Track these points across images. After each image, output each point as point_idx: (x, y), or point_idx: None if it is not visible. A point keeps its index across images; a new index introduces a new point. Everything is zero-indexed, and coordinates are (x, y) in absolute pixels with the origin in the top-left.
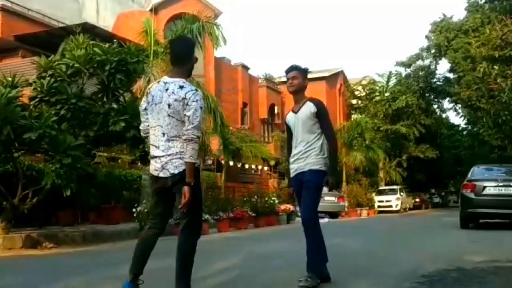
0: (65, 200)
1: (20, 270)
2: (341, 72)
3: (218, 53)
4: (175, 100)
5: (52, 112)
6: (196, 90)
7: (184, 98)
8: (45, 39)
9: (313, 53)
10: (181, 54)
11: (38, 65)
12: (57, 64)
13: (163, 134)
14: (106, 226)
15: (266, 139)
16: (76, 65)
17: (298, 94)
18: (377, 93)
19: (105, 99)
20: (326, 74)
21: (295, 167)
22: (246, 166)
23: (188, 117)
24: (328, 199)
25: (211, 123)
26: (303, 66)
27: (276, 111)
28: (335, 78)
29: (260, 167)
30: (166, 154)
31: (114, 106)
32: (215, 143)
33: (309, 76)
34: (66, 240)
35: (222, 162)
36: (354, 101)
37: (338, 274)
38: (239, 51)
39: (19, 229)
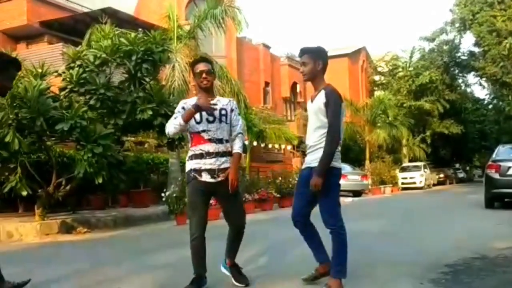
0: (96, 185)
1: (60, 258)
2: (364, 49)
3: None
4: None
5: (82, 102)
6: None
7: None
8: (69, 25)
9: (335, 30)
10: None
11: (66, 56)
12: (84, 55)
13: None
14: (136, 209)
15: (289, 118)
16: (104, 55)
17: (315, 80)
18: (400, 69)
19: (132, 88)
20: (348, 51)
21: (306, 160)
22: (270, 146)
23: None
24: (351, 178)
25: None
26: (314, 46)
27: (298, 89)
28: (357, 54)
29: (283, 146)
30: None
31: (141, 94)
32: None
33: (332, 53)
34: (99, 224)
35: (246, 142)
36: (377, 78)
37: (360, 260)
38: (259, 29)
39: (54, 214)
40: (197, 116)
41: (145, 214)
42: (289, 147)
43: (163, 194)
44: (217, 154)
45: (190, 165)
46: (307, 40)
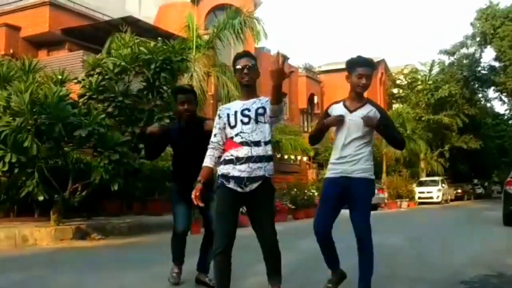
0: (112, 191)
1: (73, 264)
2: (382, 61)
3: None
4: None
5: (100, 110)
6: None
7: None
8: (90, 33)
9: (354, 42)
10: None
11: (86, 63)
12: (104, 63)
13: None
14: (150, 217)
15: (306, 129)
16: (123, 63)
17: (363, 93)
18: (419, 82)
19: (150, 96)
20: None
21: (339, 169)
22: (286, 156)
23: None
24: None
25: None
26: (373, 61)
27: (315, 101)
28: (376, 67)
29: (299, 157)
30: None
31: (159, 103)
32: None
33: None
34: (113, 231)
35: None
36: (395, 90)
37: (374, 275)
38: (278, 40)
39: (69, 219)
40: (232, 119)
41: (159, 222)
42: (305, 159)
43: None
44: (249, 160)
45: (220, 170)
46: (324, 52)
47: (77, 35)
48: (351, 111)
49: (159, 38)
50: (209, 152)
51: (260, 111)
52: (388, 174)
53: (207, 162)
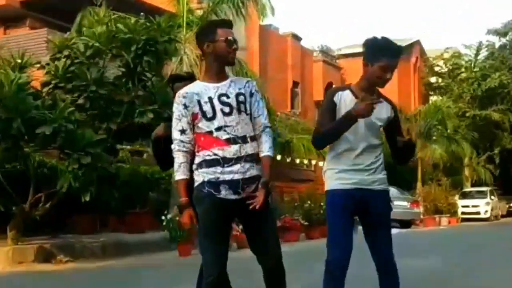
0: (82, 203)
1: None
2: (417, 43)
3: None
4: None
5: (69, 101)
6: None
7: None
8: (57, 6)
9: (381, 18)
10: None
11: (52, 44)
12: (73, 44)
13: None
14: (130, 235)
15: None
16: (97, 44)
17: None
18: (463, 69)
19: (130, 85)
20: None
21: (356, 179)
22: (297, 161)
23: None
24: (399, 204)
25: None
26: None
27: None
28: (409, 50)
29: (314, 162)
30: None
31: (141, 93)
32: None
33: None
34: (84, 252)
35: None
36: (433, 79)
37: None
38: (288, 17)
39: (30, 237)
40: (207, 108)
41: (141, 241)
42: (321, 164)
43: (163, 218)
44: (240, 159)
45: (201, 175)
46: (346, 31)
47: (40, 9)
48: None
49: (142, 14)
50: (179, 159)
51: (241, 98)
52: (424, 183)
53: (181, 172)
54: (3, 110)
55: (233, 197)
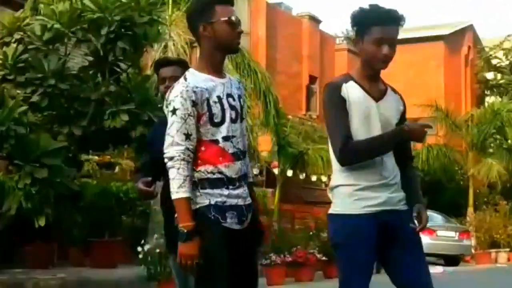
0: (36, 230)
1: None
2: (470, 28)
3: None
4: None
5: (20, 98)
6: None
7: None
8: None
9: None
10: None
11: (0, 25)
12: (27, 24)
13: None
14: (97, 270)
15: None
16: (57, 26)
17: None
18: None
19: (99, 79)
20: (446, 31)
21: (381, 198)
22: (313, 178)
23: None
24: (443, 235)
25: (260, 112)
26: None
27: None
28: (459, 37)
29: None
30: None
31: (113, 89)
32: (265, 143)
33: (417, 34)
34: None
35: (276, 171)
36: (489, 75)
37: None
38: None
39: None
40: (217, 109)
41: (110, 279)
42: None
43: (139, 249)
44: (241, 180)
45: (205, 197)
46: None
47: None
48: (376, 100)
49: None
50: (184, 171)
51: (242, 101)
52: (477, 208)
53: (186, 189)
54: None
55: (237, 227)
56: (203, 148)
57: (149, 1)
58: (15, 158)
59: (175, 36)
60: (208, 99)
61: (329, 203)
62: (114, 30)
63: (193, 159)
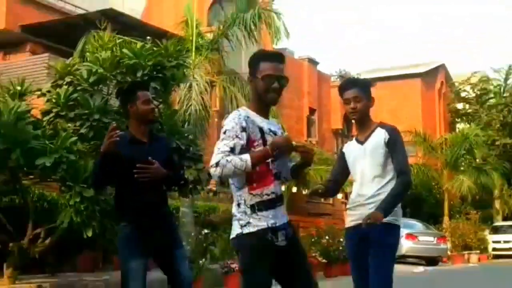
0: (84, 239)
1: None
2: (442, 67)
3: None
4: None
5: (71, 131)
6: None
7: None
8: (59, 30)
9: (402, 41)
10: None
11: (53, 70)
12: (76, 70)
13: None
14: None
15: None
16: (100, 70)
17: (364, 119)
18: (492, 95)
19: None
20: (422, 69)
21: (356, 215)
22: None
23: None
24: (424, 240)
25: None
26: (362, 79)
27: None
28: (433, 74)
29: None
30: None
31: None
32: None
33: (399, 72)
34: None
35: (283, 188)
36: (459, 106)
37: None
38: (304, 41)
39: (28, 275)
40: (269, 139)
41: (149, 278)
42: (339, 196)
43: None
44: (281, 199)
45: (263, 220)
46: (365, 55)
47: (41, 34)
48: (362, 143)
49: (148, 38)
50: (229, 158)
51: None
52: (452, 217)
53: (243, 156)
54: (1, 140)
55: (283, 243)
56: (257, 168)
57: (176, 48)
58: (67, 180)
59: (198, 77)
60: (261, 129)
61: (327, 214)
62: (147, 73)
63: (249, 181)
